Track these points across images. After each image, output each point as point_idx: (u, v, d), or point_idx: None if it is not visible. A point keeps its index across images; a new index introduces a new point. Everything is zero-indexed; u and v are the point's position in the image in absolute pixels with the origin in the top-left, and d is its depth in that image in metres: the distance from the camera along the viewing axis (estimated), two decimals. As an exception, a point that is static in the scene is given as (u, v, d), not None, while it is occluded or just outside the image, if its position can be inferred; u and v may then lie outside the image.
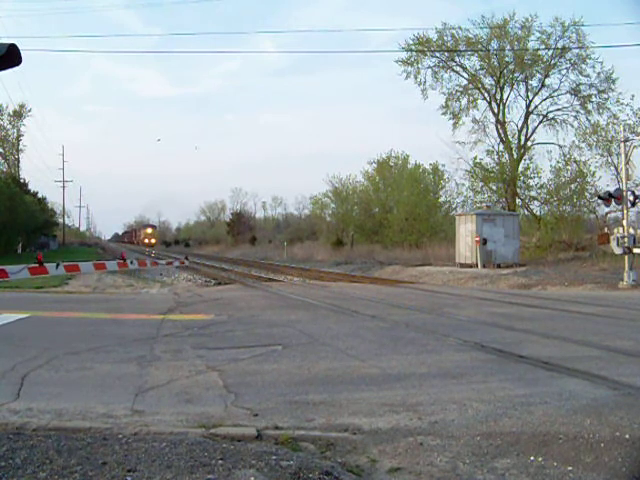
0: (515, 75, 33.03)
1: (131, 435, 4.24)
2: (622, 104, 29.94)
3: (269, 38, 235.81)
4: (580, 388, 5.70)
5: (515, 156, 32.83)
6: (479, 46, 32.57)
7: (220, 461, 3.66)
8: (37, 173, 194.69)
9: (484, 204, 29.55)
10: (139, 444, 3.97)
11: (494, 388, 5.72)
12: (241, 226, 70.63)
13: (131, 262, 20.88)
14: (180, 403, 5.24)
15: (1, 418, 4.67)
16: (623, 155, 20.77)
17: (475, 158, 33.15)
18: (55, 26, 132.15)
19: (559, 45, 31.16)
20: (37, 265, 15.71)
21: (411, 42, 32.62)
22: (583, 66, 31.20)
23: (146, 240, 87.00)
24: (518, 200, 32.35)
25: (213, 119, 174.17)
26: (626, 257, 17.88)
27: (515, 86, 33.36)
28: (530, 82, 32.98)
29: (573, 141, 33.11)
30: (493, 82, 33.41)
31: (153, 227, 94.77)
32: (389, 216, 41.53)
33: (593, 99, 31.51)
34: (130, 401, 5.25)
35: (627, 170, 21.06)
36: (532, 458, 3.90)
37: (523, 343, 8.23)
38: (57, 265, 16.48)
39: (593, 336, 8.75)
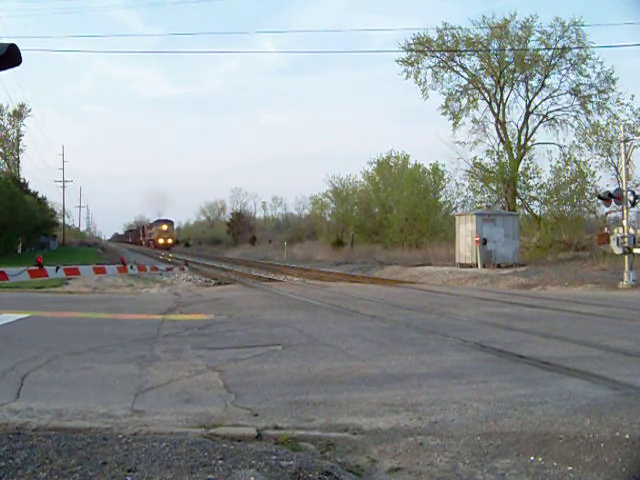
0: (515, 75, 33.06)
1: (131, 435, 4.24)
2: (622, 104, 30.01)
3: (270, 38, 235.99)
4: (580, 388, 5.70)
5: (515, 156, 32.85)
6: (479, 46, 32.61)
7: (220, 461, 3.66)
8: (37, 173, 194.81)
9: (484, 204, 29.55)
10: (139, 444, 3.97)
11: (494, 388, 5.72)
12: (241, 226, 70.52)
13: (131, 267, 20.99)
14: (180, 403, 5.24)
15: (1, 418, 4.67)
16: (623, 155, 20.78)
17: (475, 158, 33.23)
18: (55, 26, 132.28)
19: (559, 45, 31.23)
20: (37, 268, 15.72)
21: (411, 42, 32.71)
22: (583, 66, 31.29)
23: (160, 240, 69.28)
24: (518, 200, 32.37)
25: (213, 119, 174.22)
26: (626, 257, 17.88)
27: (515, 86, 33.42)
28: (530, 82, 33.06)
29: (573, 141, 33.19)
30: (493, 82, 33.45)
31: (169, 223, 74.18)
32: (389, 216, 41.53)
33: (593, 99, 31.57)
34: (130, 401, 5.25)
35: (627, 170, 21.07)
36: (532, 458, 3.90)
37: (523, 343, 8.22)
38: (57, 268, 16.50)
39: (593, 336, 8.75)
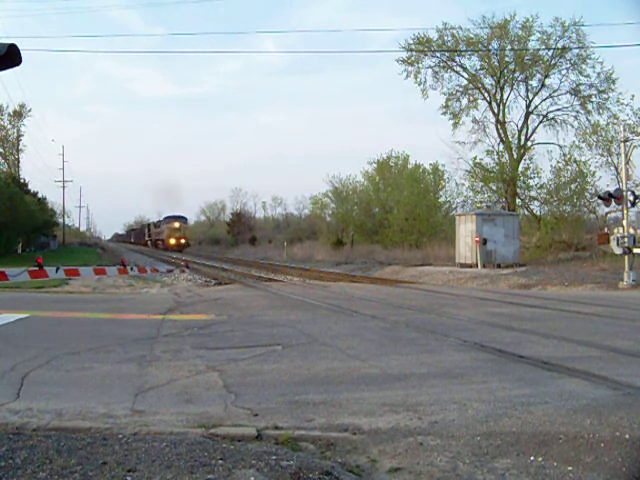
0: (515, 75, 33.07)
1: (131, 435, 4.24)
2: (622, 104, 30.03)
3: (270, 38, 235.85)
4: (580, 388, 5.70)
5: (515, 156, 32.86)
6: (479, 46, 32.60)
7: (220, 461, 3.66)
8: (37, 173, 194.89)
9: (484, 204, 29.58)
10: (139, 444, 3.97)
11: (494, 388, 5.72)
12: (241, 226, 70.41)
13: (131, 268, 21.04)
14: (180, 403, 5.24)
15: (1, 418, 4.67)
16: (623, 155, 20.79)
17: (475, 158, 33.25)
18: (55, 26, 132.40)
19: (559, 45, 31.24)
20: (37, 268, 15.75)
21: (411, 42, 32.73)
22: (583, 66, 31.29)
23: (172, 240, 59.66)
24: (518, 200, 32.38)
25: (214, 119, 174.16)
26: (626, 257, 17.88)
27: (515, 86, 33.44)
28: (530, 82, 33.07)
29: (573, 141, 33.20)
30: (493, 82, 33.46)
31: (182, 220, 63.45)
32: (389, 216, 41.56)
33: (593, 99, 31.58)
34: (130, 401, 5.25)
35: (627, 170, 21.08)
36: (532, 458, 3.90)
37: (523, 343, 8.23)
38: (57, 269, 16.54)
39: (593, 336, 8.75)
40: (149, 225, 76.84)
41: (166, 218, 64.20)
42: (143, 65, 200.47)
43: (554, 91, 32.62)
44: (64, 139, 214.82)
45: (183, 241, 60.35)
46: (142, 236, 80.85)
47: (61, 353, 7.34)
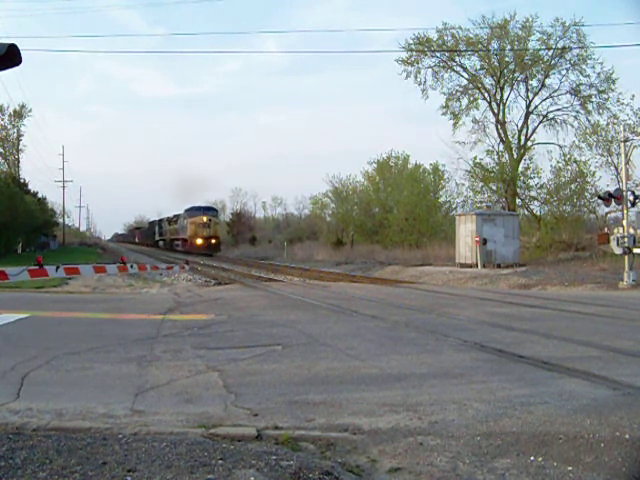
0: (515, 75, 33.12)
1: (131, 435, 4.24)
2: (622, 104, 30.10)
3: (270, 38, 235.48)
4: (580, 388, 5.70)
5: (515, 156, 32.89)
6: (479, 46, 32.64)
7: (220, 461, 3.66)
8: (37, 173, 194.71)
9: (484, 204, 29.60)
10: (139, 444, 3.97)
11: (494, 388, 5.72)
12: (241, 226, 70.30)
13: (131, 266, 20.99)
14: (180, 403, 5.24)
15: (1, 418, 4.67)
16: (623, 155, 20.80)
17: (475, 158, 33.28)
18: (55, 26, 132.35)
19: (559, 45, 31.28)
20: (37, 267, 15.75)
21: (411, 42, 32.76)
22: (583, 66, 31.36)
23: (199, 240, 46.14)
24: (518, 200, 32.40)
25: (214, 119, 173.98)
26: (626, 257, 17.89)
27: (515, 86, 33.50)
28: (530, 82, 33.14)
29: (573, 141, 33.24)
30: (493, 82, 33.50)
31: (211, 213, 49.66)
32: (389, 216, 41.59)
33: (593, 99, 31.63)
34: (130, 401, 5.25)
35: (627, 170, 21.09)
36: (532, 458, 3.90)
37: (523, 343, 8.22)
38: (57, 268, 16.52)
39: (593, 336, 8.75)
40: (160, 222, 63.98)
41: (189, 210, 49.35)
42: (143, 65, 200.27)
43: (554, 91, 32.72)
44: (64, 139, 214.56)
45: (214, 241, 47.21)
46: (151, 235, 68.71)
47: (61, 353, 7.34)
